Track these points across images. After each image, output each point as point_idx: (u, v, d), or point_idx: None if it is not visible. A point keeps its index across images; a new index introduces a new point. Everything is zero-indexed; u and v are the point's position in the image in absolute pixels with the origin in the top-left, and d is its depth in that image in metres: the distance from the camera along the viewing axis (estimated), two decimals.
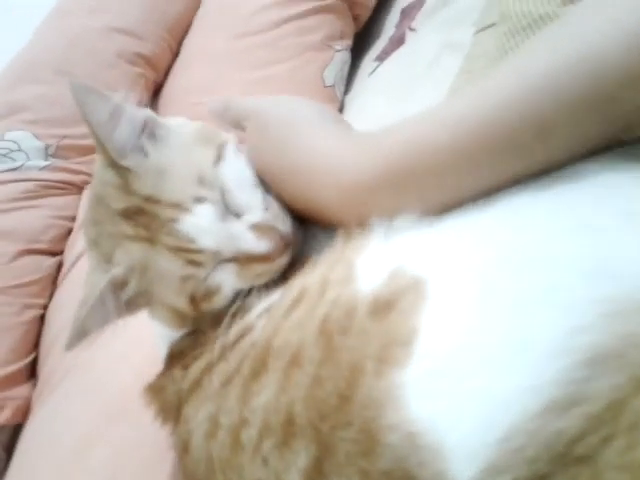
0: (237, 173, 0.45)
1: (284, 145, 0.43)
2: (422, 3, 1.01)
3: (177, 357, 0.46)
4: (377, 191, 0.38)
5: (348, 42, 1.15)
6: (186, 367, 0.44)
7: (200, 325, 0.46)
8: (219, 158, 0.45)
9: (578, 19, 0.35)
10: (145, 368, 0.59)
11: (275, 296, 0.43)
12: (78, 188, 1.05)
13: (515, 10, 0.52)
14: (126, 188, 0.43)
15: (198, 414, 0.41)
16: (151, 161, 0.44)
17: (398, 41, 1.02)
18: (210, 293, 0.44)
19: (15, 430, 0.78)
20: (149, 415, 0.54)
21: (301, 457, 0.34)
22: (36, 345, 0.87)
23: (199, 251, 0.42)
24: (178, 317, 0.46)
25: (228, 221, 0.43)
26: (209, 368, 0.42)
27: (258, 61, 1.09)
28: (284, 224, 0.44)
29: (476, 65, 0.60)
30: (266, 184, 0.46)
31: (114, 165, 0.43)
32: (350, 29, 1.16)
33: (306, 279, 0.41)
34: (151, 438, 0.53)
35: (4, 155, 1.04)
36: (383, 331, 0.34)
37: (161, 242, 0.42)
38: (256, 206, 0.44)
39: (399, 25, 1.08)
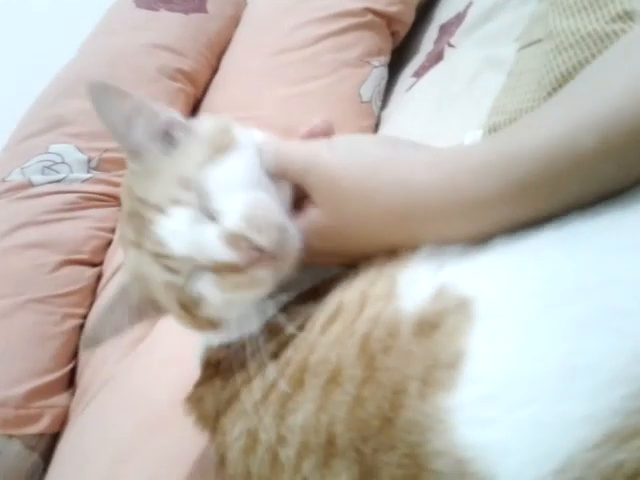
0: (226, 176, 0.41)
1: (375, 192, 0.39)
2: (462, 19, 1.01)
3: (215, 366, 0.46)
4: (500, 205, 0.35)
5: (386, 58, 1.15)
6: (226, 379, 0.44)
7: (220, 327, 0.44)
8: (210, 158, 0.42)
9: None
10: (183, 380, 0.59)
11: (310, 313, 0.42)
12: (118, 200, 1.07)
13: (563, 27, 0.51)
14: (131, 190, 0.43)
15: (235, 427, 0.41)
16: (149, 162, 0.43)
17: (437, 57, 1.02)
18: (194, 302, 0.41)
19: (53, 438, 0.80)
20: (188, 427, 0.54)
21: (342, 479, 0.34)
22: (75, 354, 0.88)
23: (172, 257, 0.40)
24: (192, 321, 0.44)
25: (201, 226, 0.40)
26: (247, 382, 0.42)
27: (295, 77, 1.10)
28: (267, 236, 0.39)
29: (521, 82, 0.59)
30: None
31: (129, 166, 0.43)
32: (388, 45, 1.17)
33: (344, 294, 0.40)
34: (190, 451, 0.53)
35: (48, 167, 1.07)
36: (427, 352, 0.33)
37: (144, 246, 0.41)
38: (234, 212, 0.40)
39: (438, 41, 1.08)
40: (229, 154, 0.42)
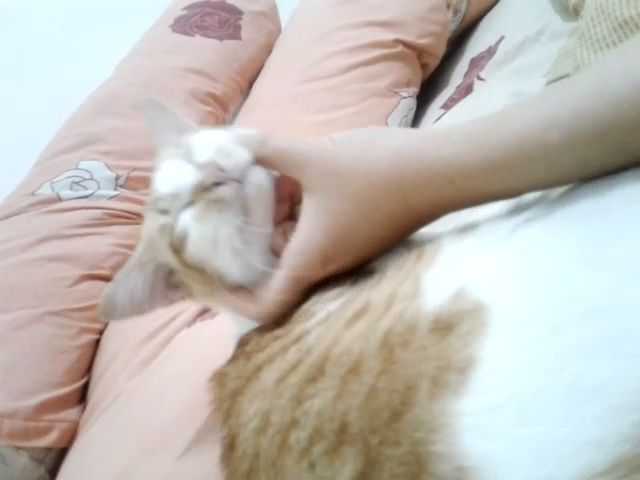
0: (207, 136, 0.48)
1: (374, 162, 0.42)
2: (492, 53, 1.01)
3: (243, 346, 0.47)
4: (478, 175, 0.39)
5: (415, 89, 1.16)
6: (249, 357, 0.44)
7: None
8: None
9: None
10: (191, 399, 0.58)
11: (335, 305, 0.43)
12: (142, 218, 1.08)
13: (590, 61, 0.50)
14: None
15: (251, 407, 0.41)
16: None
17: (466, 90, 1.02)
18: (181, 240, 0.46)
19: (61, 454, 0.79)
20: (192, 448, 0.53)
21: (348, 467, 0.34)
22: (89, 369, 0.88)
23: (162, 198, 0.47)
24: (200, 283, 0.48)
25: (183, 167, 0.47)
26: (268, 361, 0.42)
27: (323, 104, 1.11)
28: (232, 161, 0.45)
29: None
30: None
31: None
32: (418, 77, 1.17)
33: (372, 293, 0.40)
34: (193, 473, 0.52)
35: (77, 183, 1.09)
36: (441, 352, 0.33)
37: (147, 207, 0.49)
38: (208, 150, 0.46)
39: (468, 74, 1.08)
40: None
